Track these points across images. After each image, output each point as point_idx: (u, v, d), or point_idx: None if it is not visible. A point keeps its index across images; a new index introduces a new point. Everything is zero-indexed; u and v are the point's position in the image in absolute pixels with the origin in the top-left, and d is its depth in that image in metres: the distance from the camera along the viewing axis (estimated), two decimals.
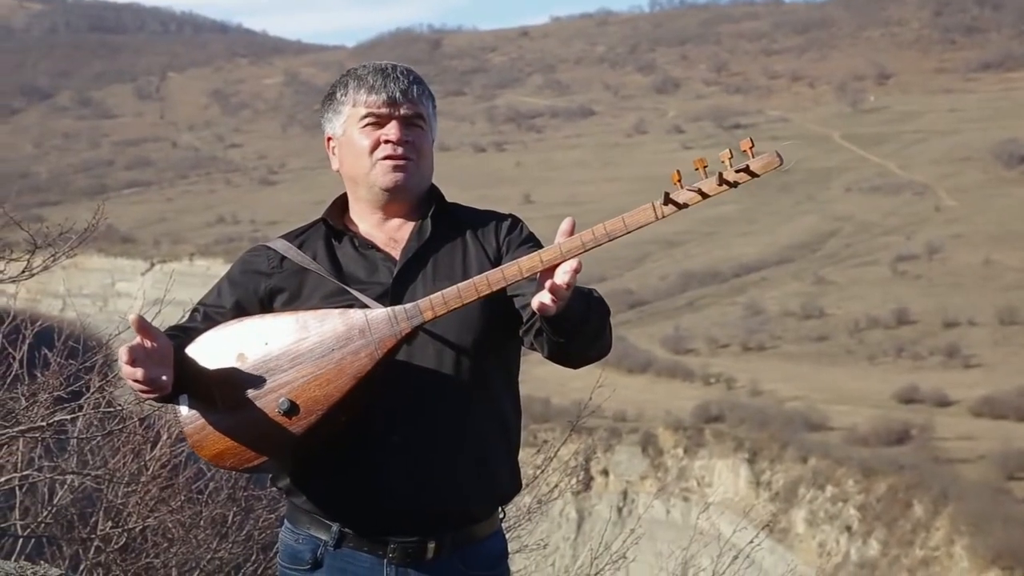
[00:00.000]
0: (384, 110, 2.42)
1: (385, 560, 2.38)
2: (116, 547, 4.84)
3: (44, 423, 4.55)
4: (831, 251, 60.52)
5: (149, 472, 4.94)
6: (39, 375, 4.71)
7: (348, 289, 2.38)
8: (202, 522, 5.04)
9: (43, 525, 4.91)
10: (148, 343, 2.18)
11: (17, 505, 4.96)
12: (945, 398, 36.49)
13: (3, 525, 4.93)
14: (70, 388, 4.75)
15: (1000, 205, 62.15)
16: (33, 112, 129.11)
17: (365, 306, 2.33)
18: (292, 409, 2.26)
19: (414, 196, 2.48)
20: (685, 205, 2.16)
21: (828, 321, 48.06)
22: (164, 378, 2.20)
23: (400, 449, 2.35)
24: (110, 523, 4.84)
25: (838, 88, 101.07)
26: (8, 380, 4.74)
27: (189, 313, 2.51)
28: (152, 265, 63.79)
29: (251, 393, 2.28)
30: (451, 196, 2.55)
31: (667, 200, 2.15)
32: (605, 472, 35.52)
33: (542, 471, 5.95)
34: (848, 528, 30.65)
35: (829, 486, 31.63)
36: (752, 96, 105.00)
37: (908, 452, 32.41)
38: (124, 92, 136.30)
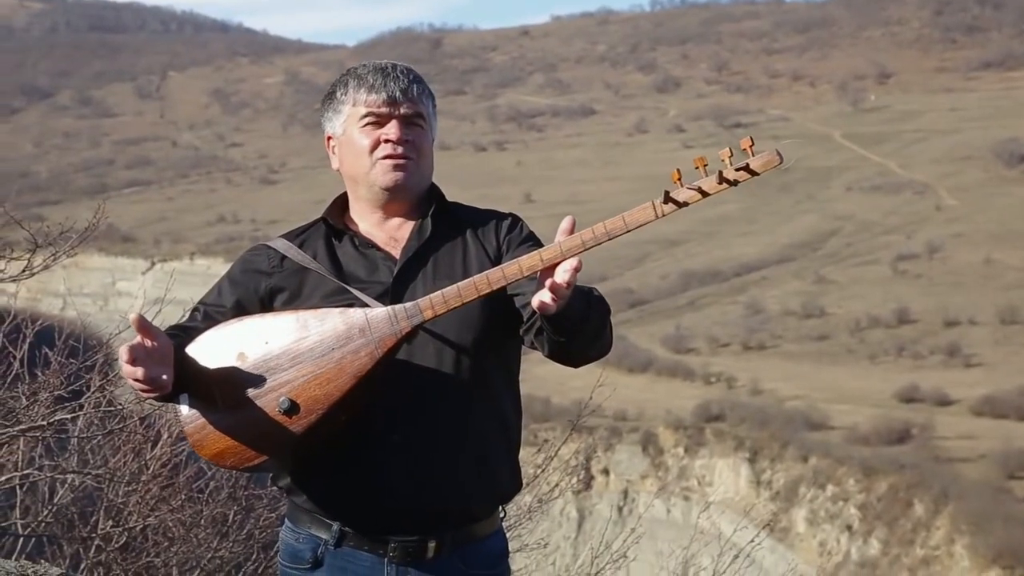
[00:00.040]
0: (384, 109, 2.42)
1: (386, 559, 2.38)
2: (117, 546, 4.84)
3: (45, 422, 4.55)
4: (832, 250, 60.52)
5: (150, 471, 4.94)
6: (40, 374, 4.71)
7: (348, 288, 2.38)
8: (203, 521, 5.04)
9: (44, 524, 4.92)
10: (148, 342, 2.18)
11: (18, 504, 4.96)
12: (946, 397, 36.48)
13: (4, 524, 4.93)
14: (71, 387, 4.76)
15: (1001, 204, 62.14)
16: (33, 111, 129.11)
17: (365, 305, 2.33)
18: (292, 408, 2.26)
19: (414, 195, 2.48)
20: (685, 204, 2.16)
21: (829, 320, 48.05)
22: (164, 377, 2.20)
23: (400, 448, 2.35)
24: (111, 522, 4.85)
25: (839, 87, 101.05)
26: (9, 379, 4.74)
27: (190, 312, 2.51)
28: (152, 264, 63.79)
29: (251, 392, 2.28)
30: (452, 195, 2.55)
31: (667, 199, 2.15)
32: (606, 471, 35.52)
33: (543, 470, 5.96)
34: (849, 527, 30.65)
35: (830, 485, 31.62)
36: (753, 95, 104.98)
37: (909, 451, 32.40)
38: (124, 91, 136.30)
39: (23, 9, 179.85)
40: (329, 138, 2.51)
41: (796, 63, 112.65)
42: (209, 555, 5.01)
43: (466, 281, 2.24)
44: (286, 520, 2.51)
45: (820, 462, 32.34)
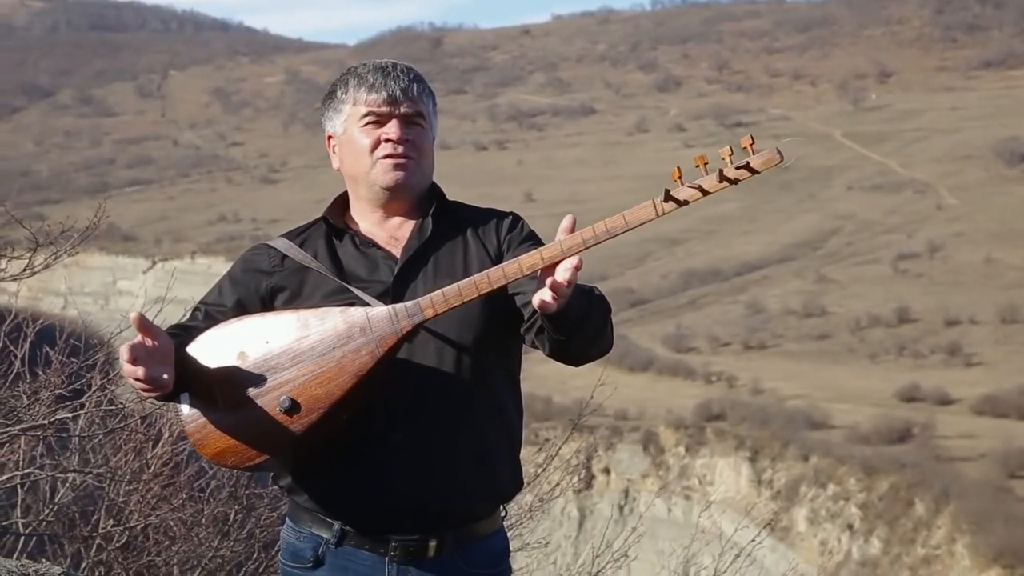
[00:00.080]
0: (384, 109, 2.42)
1: (387, 558, 2.38)
2: (118, 545, 4.84)
3: (46, 421, 4.56)
4: (832, 249, 60.52)
5: (151, 470, 4.95)
6: (41, 373, 4.72)
7: (349, 287, 2.38)
8: (204, 520, 5.05)
9: (45, 523, 4.92)
10: (149, 341, 2.18)
11: (19, 503, 4.96)
12: (946, 396, 36.49)
13: (5, 523, 4.93)
14: (72, 386, 4.76)
15: (1001, 203, 62.13)
16: (34, 110, 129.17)
17: (366, 304, 2.33)
18: (293, 407, 2.26)
19: (415, 194, 2.48)
20: (686, 202, 2.16)
21: (829, 319, 48.06)
22: (165, 376, 2.20)
23: (401, 447, 2.35)
24: (112, 521, 4.85)
25: (839, 86, 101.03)
26: (10, 378, 4.75)
27: (190, 312, 2.51)
28: (153, 263, 63.82)
29: (252, 391, 2.28)
30: (452, 194, 2.55)
31: (668, 197, 2.15)
32: (607, 470, 35.53)
33: (544, 469, 5.96)
34: (850, 526, 30.65)
35: (831, 484, 31.62)
36: (754, 94, 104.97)
37: (909, 450, 32.40)
38: (125, 90, 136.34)
39: (24, 8, 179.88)
40: (329, 137, 2.51)
41: (797, 62, 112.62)
42: (210, 554, 5.01)
43: (467, 280, 2.24)
44: (287, 519, 2.51)
45: (821, 461, 32.34)
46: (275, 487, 3.39)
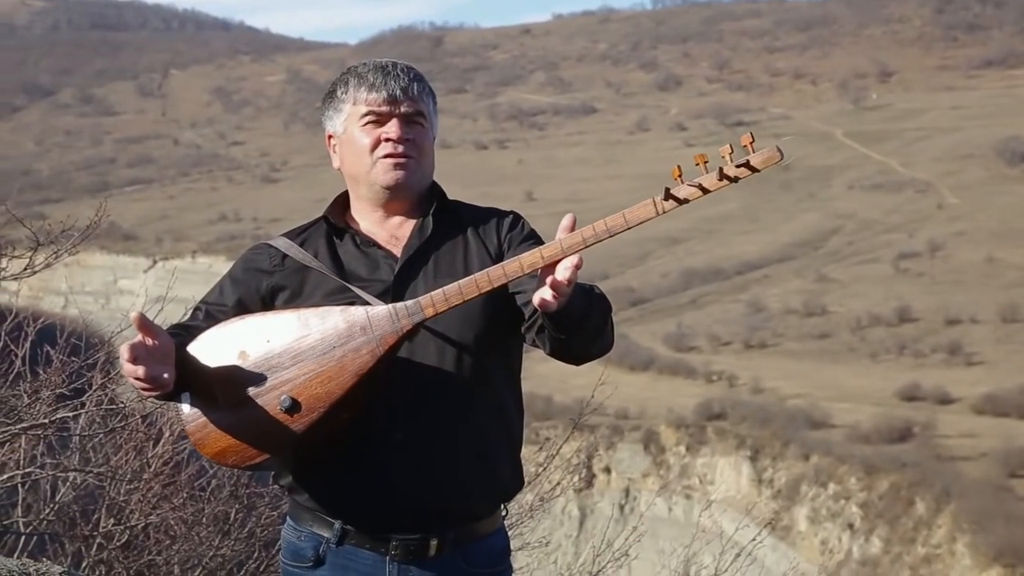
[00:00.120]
0: (385, 108, 2.42)
1: (387, 557, 2.38)
2: (118, 544, 4.84)
3: (46, 420, 4.56)
4: (833, 249, 60.52)
5: (151, 469, 4.95)
6: (41, 372, 4.71)
7: (350, 286, 2.38)
8: (204, 519, 5.05)
9: (45, 522, 4.92)
10: (149, 341, 2.18)
11: (19, 502, 4.96)
12: (947, 396, 36.49)
13: (6, 522, 4.93)
14: (72, 385, 4.76)
15: (1002, 203, 62.13)
16: (35, 109, 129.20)
17: (367, 303, 2.33)
18: (294, 407, 2.26)
19: (415, 194, 2.47)
20: (685, 200, 2.16)
21: (830, 319, 48.06)
22: (165, 376, 2.20)
23: (402, 446, 2.35)
24: (112, 520, 4.85)
25: (840, 85, 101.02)
26: (10, 377, 4.75)
27: (191, 311, 2.51)
28: (154, 262, 63.85)
29: (253, 391, 2.28)
30: (453, 194, 2.55)
31: (667, 195, 2.15)
32: (607, 470, 35.54)
33: (544, 468, 5.96)
34: (850, 526, 30.66)
35: (831, 484, 31.63)
36: (754, 94, 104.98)
37: (910, 450, 32.41)
38: (126, 89, 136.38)
39: (25, 7, 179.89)
40: (330, 137, 2.51)
41: (797, 61, 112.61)
42: (211, 553, 5.01)
43: (467, 278, 2.24)
44: (288, 518, 2.51)
45: (821, 460, 32.35)
46: (276, 486, 3.40)
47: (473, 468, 2.39)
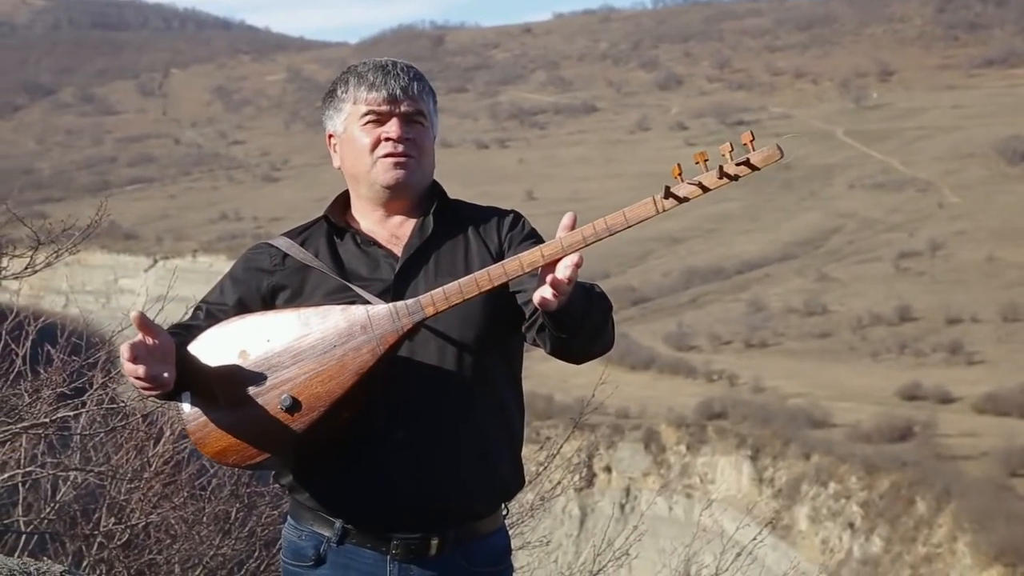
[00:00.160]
0: (385, 107, 2.42)
1: (388, 556, 2.38)
2: (119, 543, 4.84)
3: (47, 419, 4.56)
4: (834, 248, 60.50)
5: (152, 468, 4.95)
6: (42, 372, 4.72)
7: (350, 286, 2.38)
8: (205, 518, 5.05)
9: (46, 521, 4.92)
10: (150, 340, 2.18)
11: (20, 501, 4.97)
12: (948, 395, 36.48)
13: (6, 521, 4.93)
14: (73, 385, 4.76)
15: (1003, 202, 62.12)
16: (36, 109, 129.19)
17: (367, 302, 2.33)
18: (294, 406, 2.26)
19: (416, 193, 2.47)
20: (686, 199, 2.16)
21: (831, 318, 48.05)
22: (166, 375, 2.20)
23: (403, 445, 2.35)
24: (113, 519, 4.85)
25: (841, 85, 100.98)
26: (11, 377, 4.75)
27: (192, 311, 2.51)
28: (155, 262, 63.88)
29: (253, 390, 2.28)
30: (454, 193, 2.55)
31: (667, 194, 2.15)
32: (608, 469, 35.54)
33: (545, 468, 5.96)
34: (851, 525, 30.65)
35: (832, 483, 31.63)
36: (755, 93, 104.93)
37: (911, 449, 32.40)
38: (127, 89, 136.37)
39: (26, 6, 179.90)
40: (330, 136, 2.51)
41: (798, 60, 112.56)
42: (211, 552, 5.01)
43: (467, 277, 2.24)
44: (288, 517, 2.51)
45: (822, 460, 32.35)
46: (276, 485, 3.39)
47: (474, 467, 2.39)
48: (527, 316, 2.36)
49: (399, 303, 2.28)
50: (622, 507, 32.70)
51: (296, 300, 2.41)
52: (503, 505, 2.50)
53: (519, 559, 5.65)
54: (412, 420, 2.35)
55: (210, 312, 2.44)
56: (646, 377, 40.30)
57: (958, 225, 59.59)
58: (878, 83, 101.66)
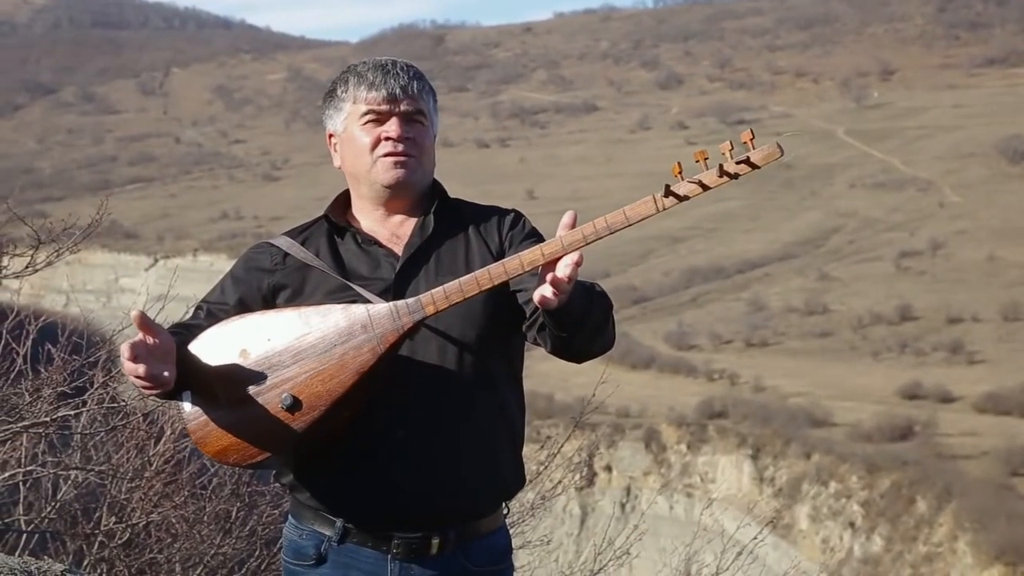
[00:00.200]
0: (384, 107, 2.42)
1: (389, 556, 2.38)
2: (120, 542, 4.84)
3: (48, 419, 4.56)
4: (835, 247, 60.50)
5: (152, 468, 4.95)
6: (43, 371, 4.72)
7: (351, 285, 2.38)
8: (205, 518, 5.05)
9: (47, 520, 4.92)
10: (150, 339, 2.18)
11: (21, 500, 4.97)
12: (949, 394, 36.48)
13: (7, 520, 4.93)
14: (74, 384, 4.76)
15: (1004, 201, 62.10)
16: (36, 108, 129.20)
17: (368, 301, 2.33)
18: (295, 405, 2.26)
19: (416, 192, 2.47)
20: (686, 197, 2.16)
21: (832, 317, 48.05)
22: (166, 374, 2.20)
23: (404, 444, 2.35)
24: (114, 518, 4.85)
25: (842, 84, 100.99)
26: (12, 376, 4.75)
27: (192, 310, 2.51)
28: (156, 261, 63.93)
29: (254, 389, 2.28)
30: (454, 192, 2.55)
31: (668, 192, 2.15)
32: (608, 468, 35.54)
33: (545, 467, 5.96)
34: (851, 524, 30.66)
35: (832, 482, 31.63)
36: (756, 92, 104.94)
37: (911, 448, 32.40)
38: (127, 88, 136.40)
39: (26, 5, 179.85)
40: (331, 136, 2.51)
41: (799, 60, 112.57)
42: (212, 551, 5.01)
43: (467, 276, 2.24)
44: (289, 516, 2.51)
45: (823, 459, 32.35)
46: (277, 484, 3.39)
47: (475, 466, 2.39)
48: (528, 315, 2.36)
49: (399, 302, 2.27)
50: (623, 506, 32.72)
51: (297, 299, 2.41)
52: (504, 504, 2.50)
53: (520, 558, 5.65)
54: (413, 419, 2.35)
55: (211, 311, 2.44)
56: (647, 376, 40.31)
57: (959, 224, 59.58)
58: (879, 82, 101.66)
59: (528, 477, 3.52)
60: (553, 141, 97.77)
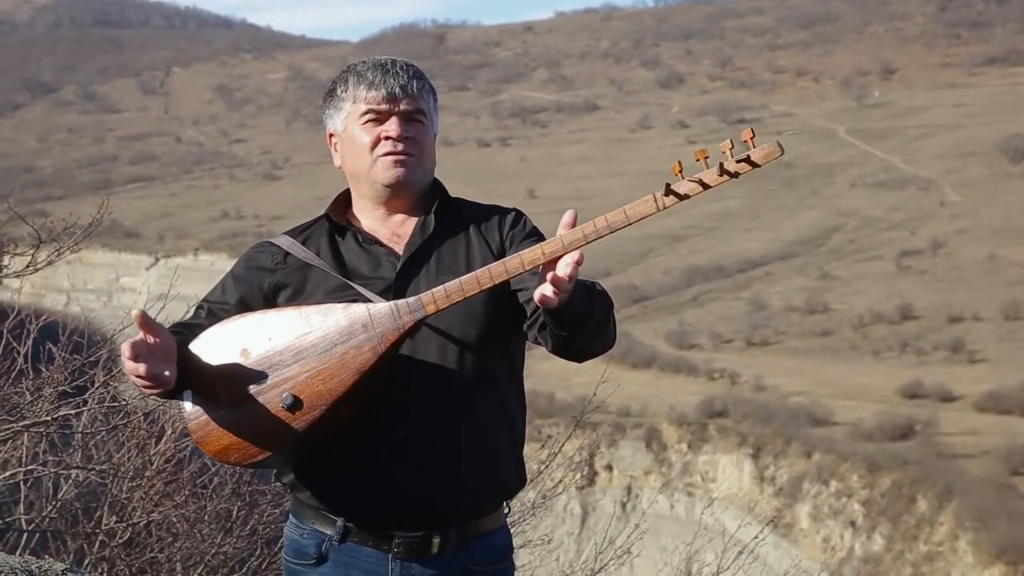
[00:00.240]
0: (384, 106, 2.41)
1: (390, 555, 2.38)
2: (120, 542, 4.84)
3: (48, 418, 4.56)
4: (835, 246, 60.49)
5: (153, 467, 4.95)
6: (43, 370, 4.71)
7: (351, 284, 2.38)
8: (206, 517, 5.05)
9: (48, 520, 4.93)
10: (151, 339, 2.18)
11: (22, 500, 4.97)
12: (949, 393, 36.47)
13: (8, 520, 4.94)
14: (74, 383, 4.76)
15: (1005, 200, 62.08)
16: (37, 107, 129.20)
17: (368, 301, 2.33)
18: (296, 404, 2.26)
19: (416, 191, 2.47)
20: (686, 196, 2.16)
21: (832, 316, 48.05)
22: (167, 374, 2.20)
23: (404, 444, 2.35)
24: (114, 518, 4.85)
25: (843, 83, 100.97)
26: (13, 375, 4.75)
27: (193, 310, 2.51)
28: (156, 260, 63.93)
29: (254, 388, 2.28)
30: (455, 191, 2.55)
31: (668, 191, 2.15)
32: (609, 467, 35.54)
33: (546, 466, 5.95)
34: (852, 523, 30.65)
35: (833, 481, 31.62)
36: (756, 91, 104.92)
37: (912, 447, 32.40)
38: (128, 87, 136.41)
39: (27, 4, 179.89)
40: (331, 135, 2.51)
41: (800, 59, 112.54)
42: (213, 551, 5.01)
43: (468, 275, 2.24)
44: (290, 516, 2.51)
45: (824, 458, 32.34)
46: (278, 484, 3.40)
47: (475, 466, 2.39)
48: (528, 314, 2.36)
49: (400, 301, 2.27)
50: (623, 505, 32.73)
51: (298, 298, 2.41)
52: (505, 503, 2.50)
53: (520, 557, 5.65)
54: (414, 418, 2.35)
55: (212, 311, 2.44)
56: (647, 375, 40.31)
57: (960, 223, 59.57)
58: (880, 81, 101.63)
59: (529, 476, 3.52)
60: (554, 140, 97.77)
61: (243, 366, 2.29)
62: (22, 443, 4.73)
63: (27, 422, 4.52)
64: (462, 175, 61.54)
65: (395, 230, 2.47)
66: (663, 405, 36.77)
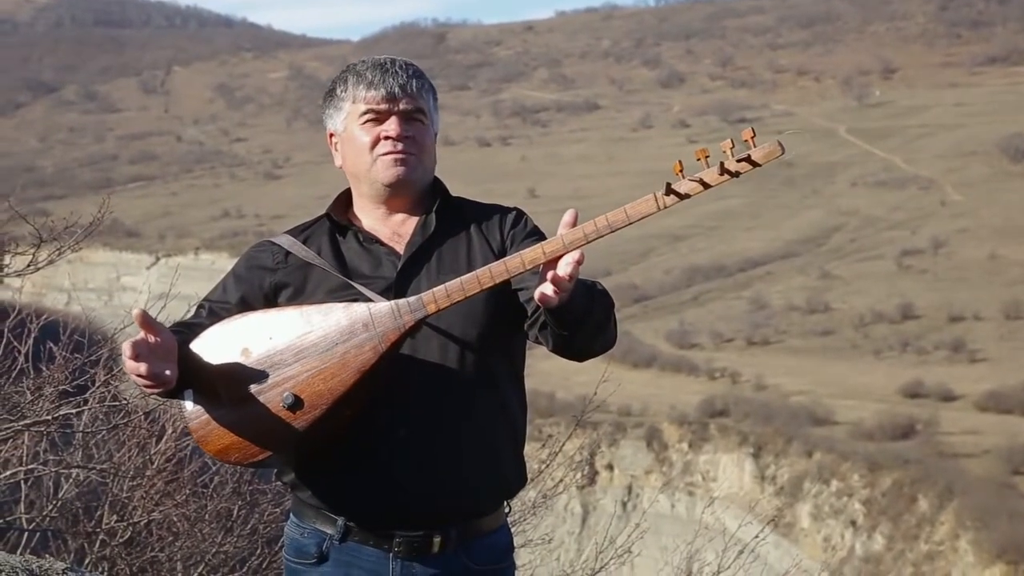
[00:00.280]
0: (383, 106, 2.41)
1: (391, 554, 2.38)
2: (121, 541, 4.85)
3: (49, 417, 4.56)
4: (836, 245, 60.49)
5: (154, 466, 4.95)
6: (44, 369, 4.71)
7: (352, 283, 2.38)
8: (207, 516, 5.05)
9: (48, 519, 4.93)
10: (152, 338, 2.18)
11: (22, 499, 4.97)
12: (950, 393, 36.48)
13: (8, 519, 4.94)
14: (75, 382, 4.75)
15: (1006, 199, 62.08)
16: (38, 106, 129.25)
17: (369, 300, 2.33)
18: (297, 403, 2.26)
19: (417, 191, 2.47)
20: (687, 195, 2.16)
21: (833, 315, 48.05)
22: (168, 373, 2.20)
23: (405, 443, 2.35)
24: (115, 517, 4.85)
25: (843, 82, 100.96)
26: (14, 374, 4.75)
27: (194, 309, 2.51)
28: (157, 259, 63.97)
29: (255, 388, 2.27)
30: (456, 190, 2.55)
31: (669, 190, 2.15)
32: (610, 466, 35.55)
33: (547, 465, 5.95)
34: (853, 522, 30.66)
35: (834, 480, 31.63)
36: (757, 90, 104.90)
37: (913, 447, 32.41)
38: (129, 86, 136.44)
39: (28, 4, 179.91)
40: (331, 135, 2.51)
41: (801, 58, 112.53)
42: (213, 550, 5.01)
43: (469, 274, 2.24)
44: (291, 515, 2.51)
45: (824, 457, 32.35)
46: (279, 483, 3.40)
47: (476, 465, 2.39)
48: (529, 314, 2.36)
49: (401, 301, 2.27)
50: (624, 505, 32.74)
51: (298, 298, 2.41)
52: (505, 503, 2.50)
53: (521, 557, 5.65)
54: (414, 418, 2.35)
55: (213, 310, 2.44)
56: (648, 375, 40.32)
57: (960, 223, 59.57)
58: (880, 81, 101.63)
59: (529, 475, 3.53)
60: (555, 139, 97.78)
61: (244, 365, 2.28)
62: (23, 442, 4.73)
63: (28, 421, 4.52)
64: (463, 174, 61.53)
65: (396, 229, 2.47)
66: (664, 404, 36.78)
